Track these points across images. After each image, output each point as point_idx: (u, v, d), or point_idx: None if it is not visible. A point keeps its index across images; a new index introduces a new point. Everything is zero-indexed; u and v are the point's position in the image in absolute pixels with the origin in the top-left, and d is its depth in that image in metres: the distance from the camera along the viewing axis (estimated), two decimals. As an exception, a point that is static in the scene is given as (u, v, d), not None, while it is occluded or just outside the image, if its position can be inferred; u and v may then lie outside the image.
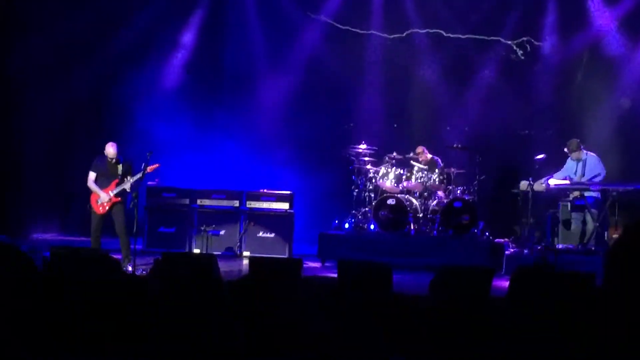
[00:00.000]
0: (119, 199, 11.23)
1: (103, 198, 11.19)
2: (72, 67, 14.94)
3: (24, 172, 14.62)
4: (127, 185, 11.22)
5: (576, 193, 12.47)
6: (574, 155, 12.65)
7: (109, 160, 11.35)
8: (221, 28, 16.06)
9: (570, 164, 12.79)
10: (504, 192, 13.83)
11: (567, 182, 12.45)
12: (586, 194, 12.35)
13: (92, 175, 11.35)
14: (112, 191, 11.22)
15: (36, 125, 14.69)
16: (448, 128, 15.31)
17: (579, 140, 12.70)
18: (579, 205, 12.39)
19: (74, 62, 14.92)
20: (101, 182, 11.31)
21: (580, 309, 5.33)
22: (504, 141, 14.87)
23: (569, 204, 12.62)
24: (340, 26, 15.62)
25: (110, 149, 11.32)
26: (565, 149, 12.71)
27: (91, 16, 14.59)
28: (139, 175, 11.16)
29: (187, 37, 15.81)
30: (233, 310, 6.00)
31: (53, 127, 15.02)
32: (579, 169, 12.61)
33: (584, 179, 12.44)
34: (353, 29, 15.63)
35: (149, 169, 11.21)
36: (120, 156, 11.44)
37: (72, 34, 14.53)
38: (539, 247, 12.01)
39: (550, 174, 12.64)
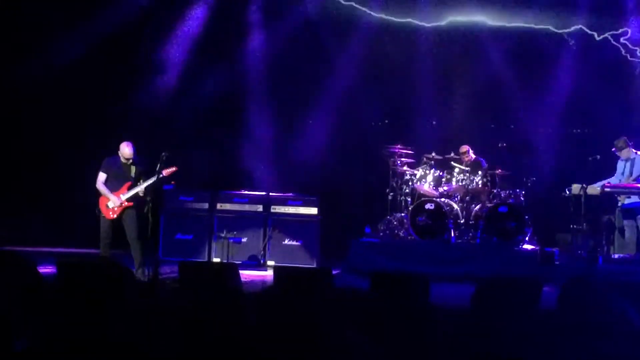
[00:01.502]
0: (132, 203, 11.15)
1: (114, 202, 11.14)
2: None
3: (24, 175, 14.80)
4: (140, 189, 11.13)
5: (624, 197, 12.38)
6: (623, 153, 12.59)
7: (124, 161, 11.24)
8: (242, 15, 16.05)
9: (619, 164, 12.72)
10: (554, 196, 13.72)
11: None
12: (633, 198, 12.24)
13: (101, 176, 11.26)
14: (123, 195, 11.15)
15: (37, 122, 14.88)
16: (492, 126, 15.24)
17: (625, 138, 12.62)
18: (628, 210, 12.29)
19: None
20: (111, 185, 11.21)
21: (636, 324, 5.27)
22: (555, 140, 14.77)
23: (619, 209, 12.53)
24: (374, 13, 15.59)
25: (126, 149, 11.19)
26: (613, 149, 12.63)
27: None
28: (153, 179, 11.07)
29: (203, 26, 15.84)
30: (256, 325, 6.01)
31: (56, 124, 15.18)
32: (627, 169, 12.52)
33: (631, 180, 12.34)
34: (387, 17, 15.60)
35: (165, 172, 11.06)
36: (136, 157, 11.32)
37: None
38: (590, 257, 11.92)
39: (607, 178, 12.54)
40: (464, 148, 13.78)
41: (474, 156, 13.79)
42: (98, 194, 11.28)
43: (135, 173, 11.27)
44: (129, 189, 11.18)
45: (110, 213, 11.15)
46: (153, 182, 11.05)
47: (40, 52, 14.46)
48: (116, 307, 5.61)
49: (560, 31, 15.13)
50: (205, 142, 15.35)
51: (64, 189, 15.06)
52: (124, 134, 11.93)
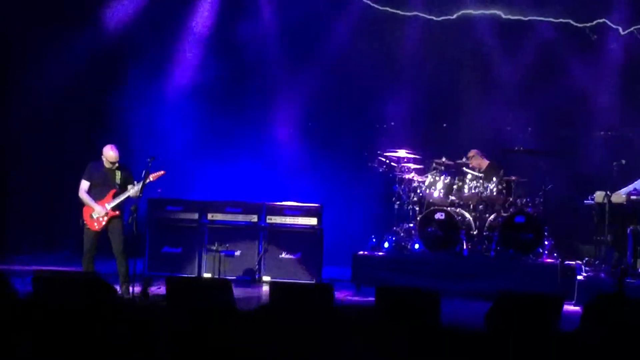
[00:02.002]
0: (117, 212, 11.12)
1: (98, 212, 11.09)
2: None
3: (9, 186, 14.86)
4: (127, 196, 11.09)
5: None
6: None
7: (108, 166, 11.16)
8: (236, 13, 16.11)
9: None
10: (575, 204, 13.71)
11: None
12: None
13: (84, 184, 11.20)
14: (108, 204, 11.12)
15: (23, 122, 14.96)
16: (508, 128, 15.24)
17: None
18: None
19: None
20: (96, 193, 11.16)
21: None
22: (577, 143, 14.77)
23: None
24: (378, 6, 15.61)
25: (111, 152, 11.10)
26: None
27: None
28: (139, 185, 11.04)
29: (198, 34, 15.96)
30: (250, 346, 6.00)
31: (40, 121, 15.26)
32: None
33: None
34: (393, 10, 15.61)
35: (152, 177, 11.08)
36: (121, 161, 11.23)
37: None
38: (616, 271, 11.90)
39: (634, 184, 12.53)
40: (472, 152, 13.77)
41: (485, 161, 13.76)
42: (81, 204, 11.26)
43: (120, 179, 11.21)
44: (115, 196, 11.14)
45: (95, 224, 11.12)
46: (139, 188, 11.01)
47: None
48: (99, 326, 5.61)
49: (581, 25, 15.13)
50: (196, 147, 15.40)
51: (44, 197, 15.10)
52: (108, 137, 11.98)
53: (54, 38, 15.00)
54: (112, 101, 15.49)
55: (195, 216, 13.46)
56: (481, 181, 13.13)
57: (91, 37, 15.12)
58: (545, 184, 13.16)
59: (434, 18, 15.58)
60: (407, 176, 13.68)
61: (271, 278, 12.83)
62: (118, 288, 10.15)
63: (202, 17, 15.93)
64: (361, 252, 12.96)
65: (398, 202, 13.75)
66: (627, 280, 11.16)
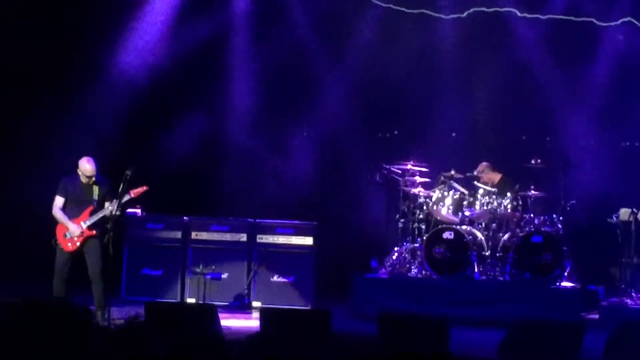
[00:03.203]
0: (94, 232, 11.15)
1: (73, 231, 11.11)
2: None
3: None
4: (105, 213, 11.10)
5: None
6: None
7: (84, 180, 11.20)
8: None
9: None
10: (598, 222, 13.75)
11: None
12: None
13: (58, 200, 11.26)
14: (84, 222, 11.15)
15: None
16: (524, 137, 15.28)
17: None
18: None
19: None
20: (70, 210, 11.22)
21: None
22: (599, 155, 14.80)
23: None
24: (381, 4, 15.65)
25: (87, 165, 11.14)
26: None
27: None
28: (120, 201, 10.99)
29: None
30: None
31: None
32: None
33: None
34: (397, 7, 15.66)
35: (133, 193, 11.10)
36: (98, 175, 11.27)
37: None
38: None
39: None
40: (482, 166, 13.79)
41: (497, 175, 13.79)
42: (54, 222, 11.29)
43: (98, 195, 11.24)
44: (92, 214, 11.18)
45: (69, 244, 11.15)
46: (118, 205, 11.02)
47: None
48: (72, 356, 5.62)
49: (605, 24, 15.19)
50: (178, 159, 15.36)
51: (10, 215, 15.05)
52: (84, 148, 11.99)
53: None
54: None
55: (178, 235, 13.49)
56: (494, 197, 13.15)
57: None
58: (566, 200, 13.20)
59: (443, 16, 15.58)
60: (412, 191, 13.70)
61: (262, 304, 12.82)
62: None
63: None
64: (361, 275, 12.98)
65: (402, 220, 13.77)
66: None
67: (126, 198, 11.08)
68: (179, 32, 15.47)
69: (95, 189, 11.25)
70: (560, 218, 13.13)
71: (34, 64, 14.64)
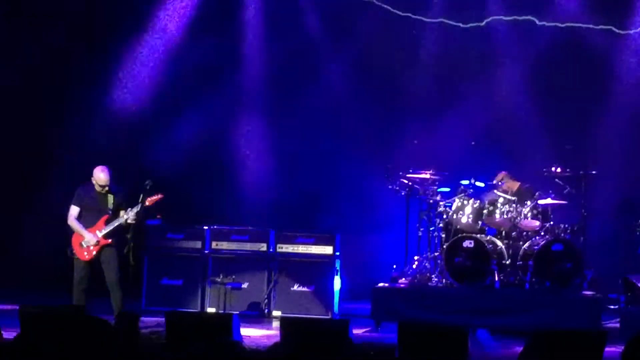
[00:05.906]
0: (110, 240, 11.23)
1: (89, 240, 11.19)
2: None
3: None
4: (119, 223, 11.19)
5: None
6: None
7: (98, 189, 11.30)
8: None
9: None
10: (620, 230, 13.70)
11: None
12: None
13: (74, 210, 11.34)
14: (100, 231, 11.22)
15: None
16: (543, 145, 15.23)
17: None
18: None
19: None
20: (86, 219, 11.29)
21: None
22: (622, 162, 14.74)
23: None
24: (400, 12, 15.67)
25: (101, 175, 11.25)
26: None
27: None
28: (136, 210, 11.15)
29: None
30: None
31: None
32: None
33: None
34: (415, 16, 15.68)
35: (149, 201, 11.20)
36: (113, 184, 11.38)
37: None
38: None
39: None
40: (501, 175, 13.70)
41: (517, 183, 13.73)
42: (70, 231, 11.33)
43: (113, 204, 11.31)
44: (107, 223, 11.23)
45: (85, 253, 11.21)
46: (136, 213, 11.08)
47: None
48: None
49: (624, 32, 15.15)
50: (198, 169, 15.42)
51: (28, 225, 15.13)
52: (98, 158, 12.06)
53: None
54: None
55: (198, 244, 13.50)
56: (514, 205, 13.11)
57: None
58: (586, 208, 13.14)
59: (462, 25, 15.61)
60: (431, 199, 13.68)
61: (282, 313, 12.85)
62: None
63: None
64: (381, 284, 12.98)
65: (422, 229, 13.74)
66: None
67: (143, 206, 11.13)
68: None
69: (110, 197, 11.33)
70: (582, 226, 13.07)
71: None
